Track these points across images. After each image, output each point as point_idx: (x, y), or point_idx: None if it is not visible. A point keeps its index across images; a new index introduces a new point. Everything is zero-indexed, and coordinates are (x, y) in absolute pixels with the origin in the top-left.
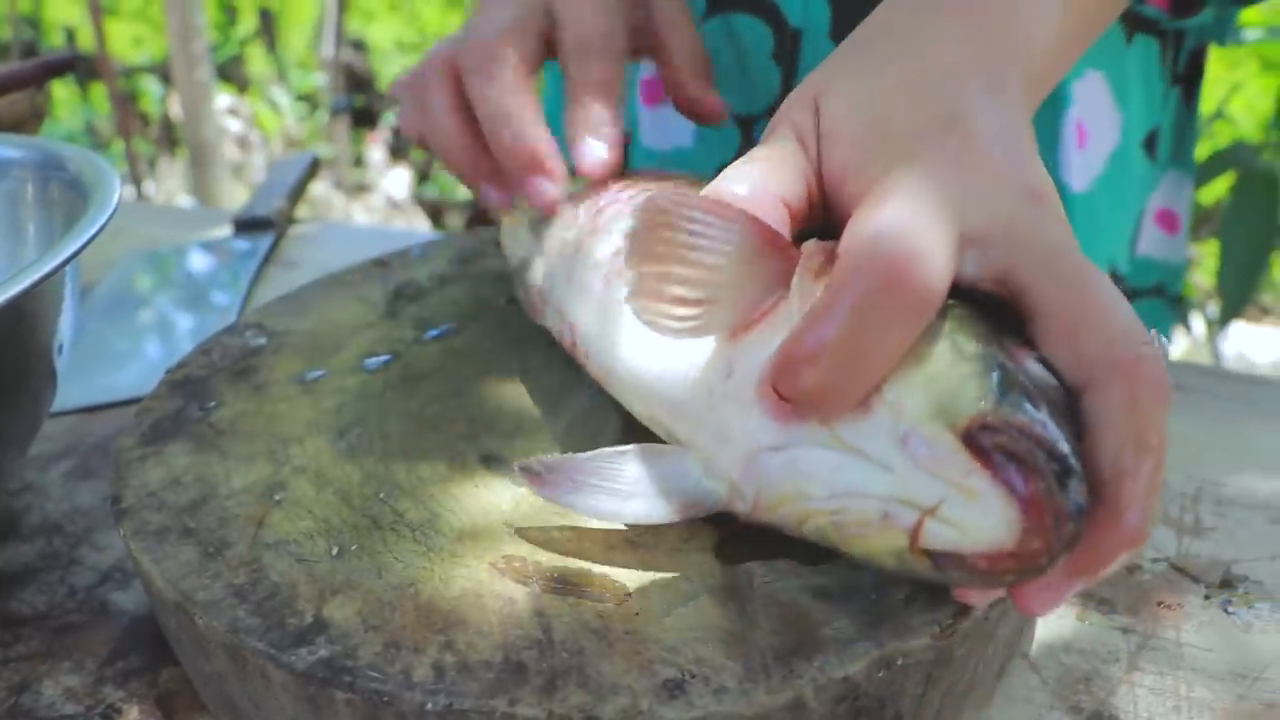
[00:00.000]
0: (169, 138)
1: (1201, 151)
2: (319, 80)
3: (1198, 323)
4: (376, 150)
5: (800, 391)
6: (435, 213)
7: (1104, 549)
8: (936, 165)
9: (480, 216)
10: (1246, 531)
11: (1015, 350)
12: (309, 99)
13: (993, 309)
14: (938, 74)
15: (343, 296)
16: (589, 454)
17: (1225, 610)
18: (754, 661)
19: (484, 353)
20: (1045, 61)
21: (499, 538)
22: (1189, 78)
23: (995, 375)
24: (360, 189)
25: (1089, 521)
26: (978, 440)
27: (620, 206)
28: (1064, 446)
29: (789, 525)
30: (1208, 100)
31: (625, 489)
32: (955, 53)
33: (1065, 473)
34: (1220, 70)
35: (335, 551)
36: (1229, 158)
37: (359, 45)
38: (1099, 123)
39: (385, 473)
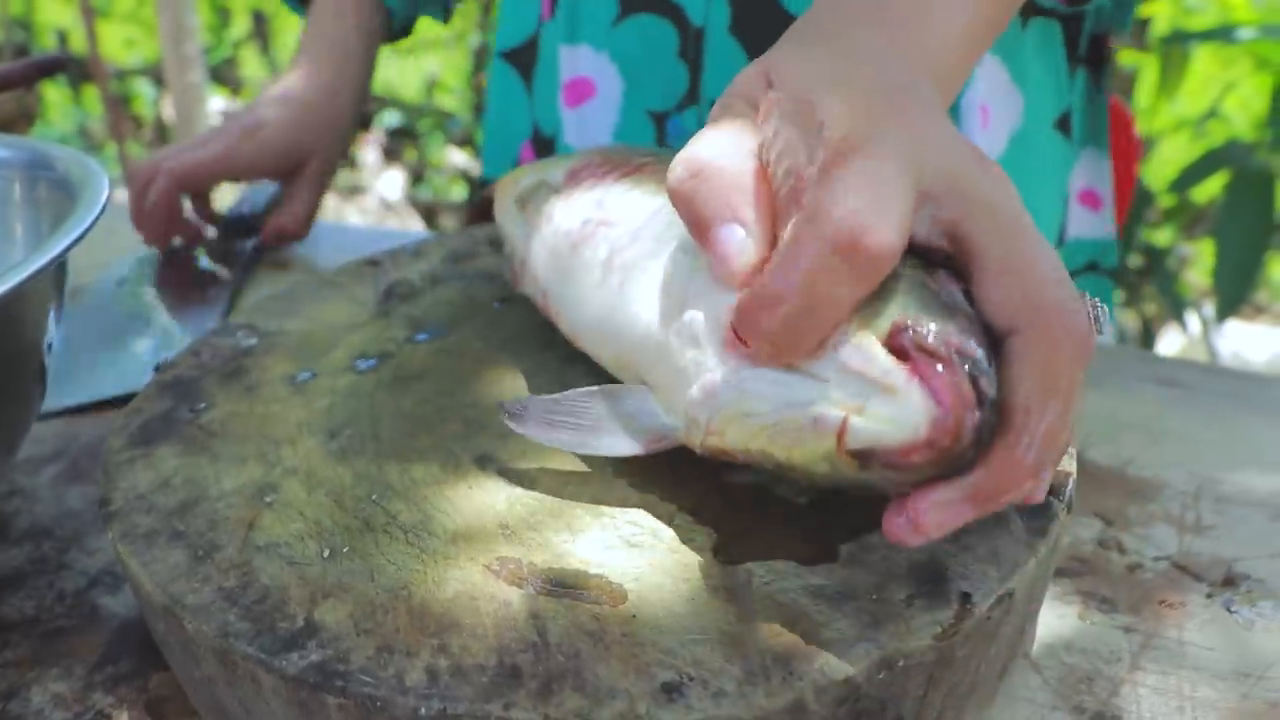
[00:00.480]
0: (162, 140)
1: (1195, 150)
2: None
3: (1194, 321)
4: (370, 152)
5: (758, 336)
6: (429, 214)
7: (1000, 479)
8: (894, 126)
9: (479, 214)
10: (1247, 529)
11: (945, 280)
12: None
13: (938, 262)
14: (871, 59)
15: (334, 296)
16: (561, 394)
17: (1228, 609)
18: (753, 663)
19: (476, 353)
20: (953, 65)
21: (493, 539)
22: (1094, 60)
23: (919, 291)
24: (354, 191)
25: (990, 452)
26: (898, 341)
27: (593, 181)
28: (974, 348)
29: (737, 448)
30: (1200, 99)
31: (592, 424)
32: (877, 54)
33: (975, 368)
34: (1214, 69)
35: (327, 554)
36: (1223, 156)
37: None
38: (999, 104)
39: (378, 474)
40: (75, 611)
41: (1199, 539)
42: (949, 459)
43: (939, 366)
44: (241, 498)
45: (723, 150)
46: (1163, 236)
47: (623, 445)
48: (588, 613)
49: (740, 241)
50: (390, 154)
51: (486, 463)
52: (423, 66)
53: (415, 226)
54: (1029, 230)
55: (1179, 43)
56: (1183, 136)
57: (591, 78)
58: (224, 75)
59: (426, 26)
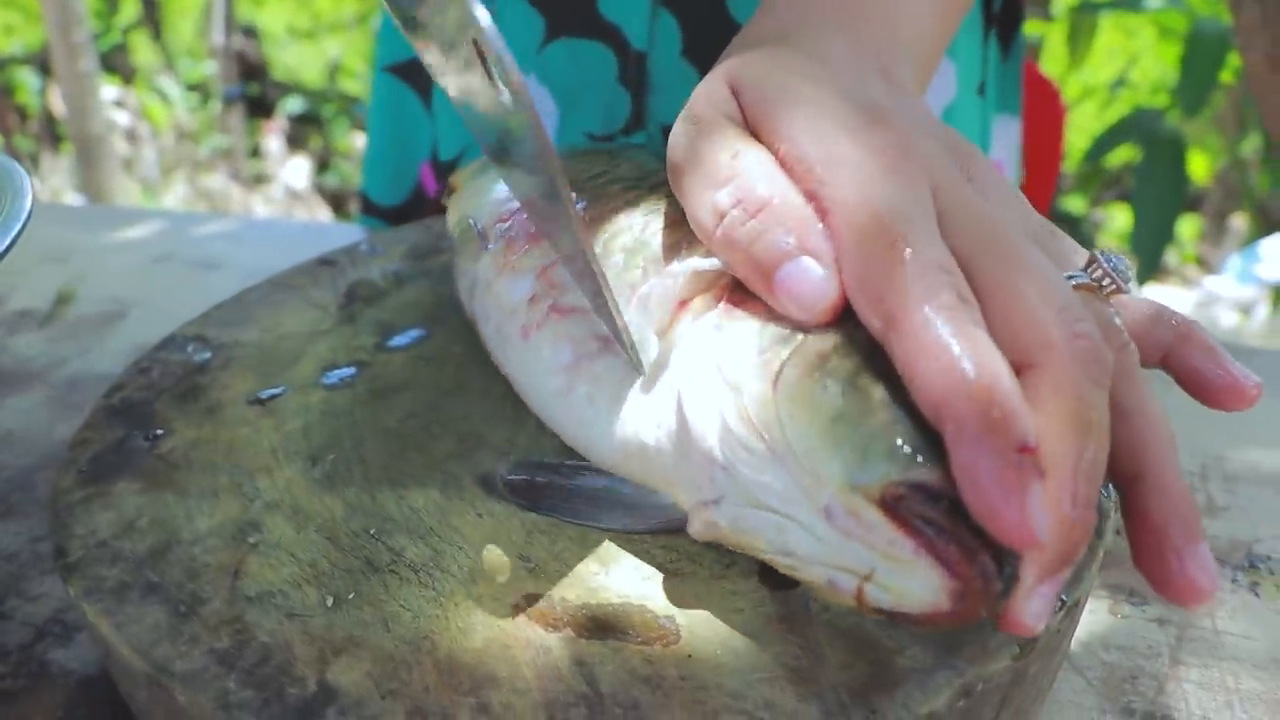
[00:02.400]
0: (51, 133)
1: (1103, 118)
2: (210, 69)
3: None
4: (273, 140)
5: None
6: (337, 202)
7: (1061, 548)
8: (871, 152)
9: (438, 207)
10: (1260, 508)
11: None
12: (200, 88)
13: None
14: (840, 67)
15: (290, 301)
16: (565, 466)
17: (1255, 594)
18: (829, 702)
19: (457, 359)
20: (928, 48)
21: (516, 574)
22: (1005, 23)
23: (901, 429)
24: (258, 180)
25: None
26: (896, 508)
27: (527, 239)
28: None
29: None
30: (1105, 68)
31: (598, 498)
32: (845, 52)
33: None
34: (1118, 39)
35: (330, 602)
36: (1134, 124)
37: (250, 31)
38: (937, 76)
39: (371, 504)
40: (22, 670)
41: (1214, 521)
42: (981, 615)
43: (948, 537)
44: (221, 539)
45: (771, 181)
46: (1076, 203)
47: (634, 524)
48: (638, 655)
49: (819, 278)
50: (294, 141)
51: (491, 484)
52: (324, 50)
53: (323, 215)
54: (1029, 254)
55: (1089, 12)
56: (1091, 105)
57: None
58: (115, 63)
59: (326, 9)
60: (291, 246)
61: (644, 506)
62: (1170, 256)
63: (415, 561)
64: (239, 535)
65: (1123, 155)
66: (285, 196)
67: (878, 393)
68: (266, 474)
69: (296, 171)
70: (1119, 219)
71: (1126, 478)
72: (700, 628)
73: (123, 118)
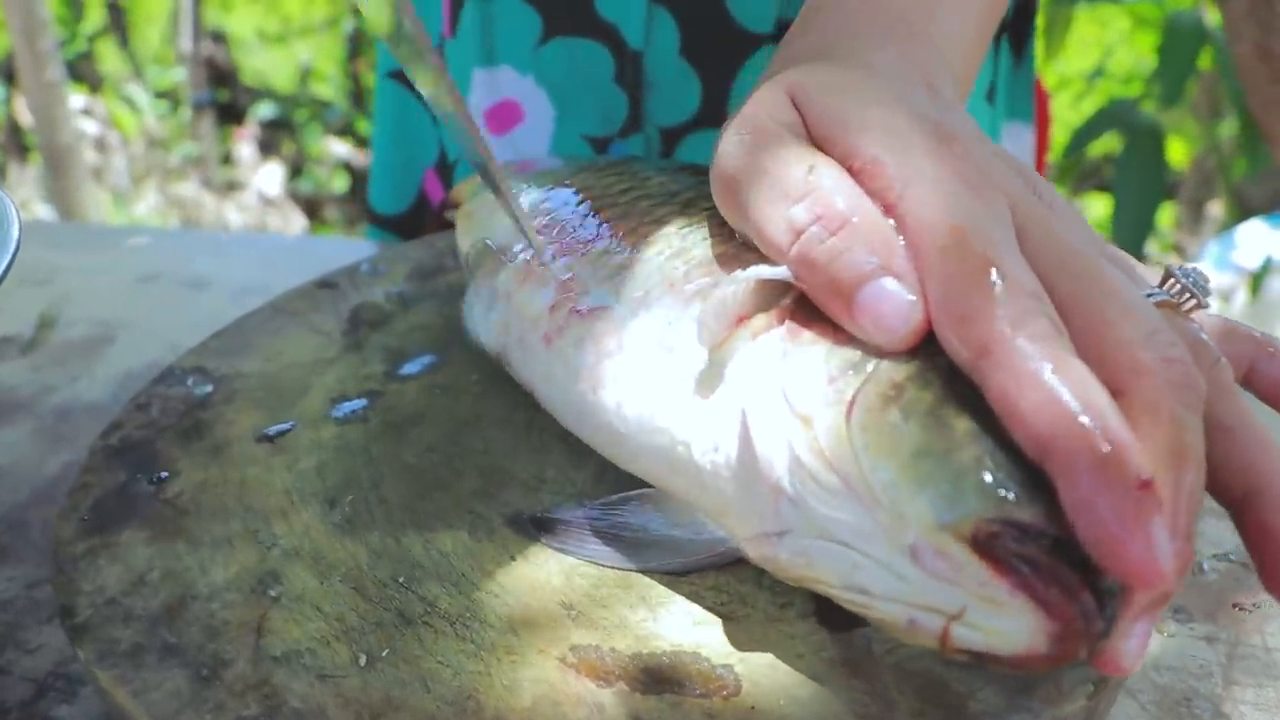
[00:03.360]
0: (17, 143)
1: (1080, 109)
2: (179, 75)
3: None
4: (245, 146)
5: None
6: (312, 208)
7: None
8: (949, 169)
9: (439, 223)
10: None
11: None
12: (169, 95)
13: None
14: (894, 82)
15: (292, 328)
16: (598, 504)
17: None
18: None
19: (474, 387)
20: (968, 61)
21: (559, 624)
22: (1016, 27)
23: (991, 464)
24: (231, 187)
25: None
26: (989, 548)
27: (554, 252)
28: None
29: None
30: (1080, 59)
31: (636, 537)
32: (895, 67)
33: (1086, 565)
34: (1093, 30)
35: (363, 660)
36: (1114, 115)
37: (219, 37)
38: None
39: (397, 549)
40: None
41: None
42: (1078, 656)
43: (1046, 578)
44: (239, 593)
45: (851, 197)
46: None
47: (674, 561)
48: (698, 709)
49: (905, 302)
50: (266, 147)
51: (522, 524)
52: (294, 54)
53: (298, 222)
54: (1112, 275)
55: (1065, 4)
56: (1066, 95)
57: (518, 101)
58: (81, 71)
59: (296, 12)
60: (281, 262)
61: (688, 544)
62: (1148, 245)
63: (450, 612)
64: (259, 588)
65: (1101, 145)
66: (259, 204)
67: (962, 425)
68: (282, 518)
69: (269, 178)
70: (1097, 208)
71: (1238, 495)
72: (761, 676)
73: (91, 126)
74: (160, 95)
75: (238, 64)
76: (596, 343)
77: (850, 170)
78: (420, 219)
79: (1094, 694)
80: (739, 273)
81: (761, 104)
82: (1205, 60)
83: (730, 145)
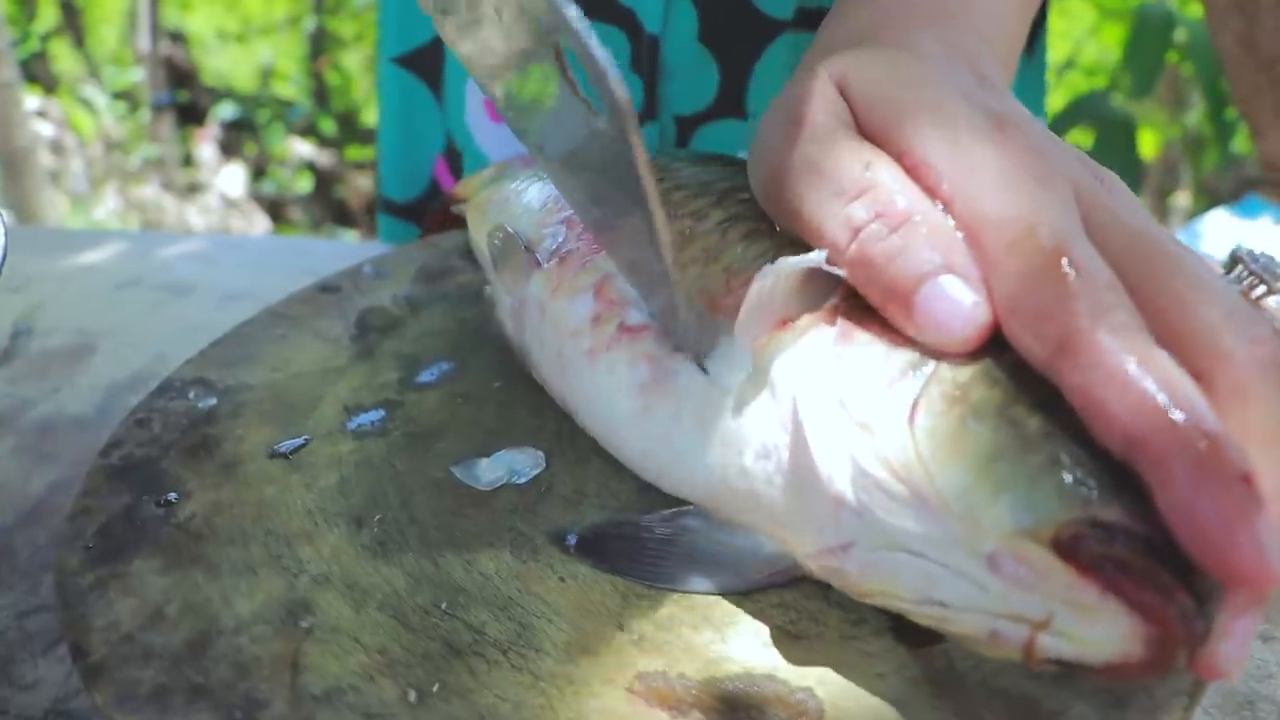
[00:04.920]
0: None
1: (1054, 102)
2: (137, 76)
3: None
4: (206, 147)
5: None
6: (275, 210)
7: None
8: (1011, 158)
9: (440, 222)
10: None
11: None
12: (128, 96)
13: None
14: (938, 63)
15: (296, 335)
16: (641, 520)
17: None
18: None
19: (498, 395)
20: (1011, 48)
21: (621, 649)
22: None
23: (1069, 463)
24: (192, 189)
25: None
26: (1073, 552)
27: (584, 253)
28: (1166, 535)
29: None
30: (1053, 51)
31: (685, 555)
32: (940, 52)
33: (1179, 563)
34: (1060, 24)
35: (413, 696)
36: (1085, 107)
37: (177, 36)
38: None
39: (435, 572)
40: None
41: None
42: (1177, 661)
43: (1138, 580)
44: (269, 625)
45: (910, 194)
46: None
47: (728, 580)
48: None
49: (969, 301)
50: (228, 148)
51: (567, 541)
52: (255, 54)
53: (261, 223)
54: (1187, 257)
55: None
56: None
57: None
58: (35, 71)
59: (257, 11)
60: (267, 266)
61: (748, 562)
62: None
63: (501, 640)
64: (289, 619)
65: (1072, 138)
66: (221, 205)
67: (1034, 423)
68: (307, 541)
69: (232, 179)
70: None
71: None
72: (843, 699)
73: (46, 129)
74: (118, 96)
75: (197, 64)
76: (653, 360)
77: (903, 162)
78: (433, 207)
79: (1189, 705)
80: (772, 265)
81: (806, 93)
82: (1171, 52)
83: (775, 138)
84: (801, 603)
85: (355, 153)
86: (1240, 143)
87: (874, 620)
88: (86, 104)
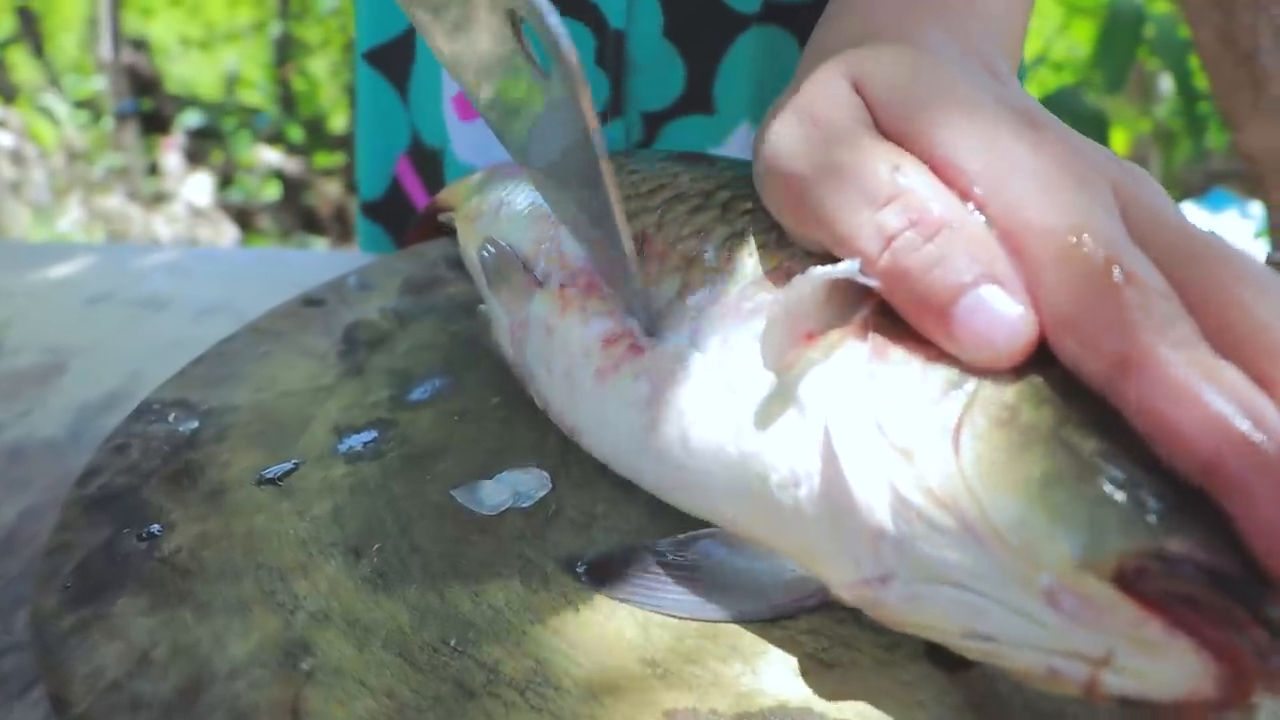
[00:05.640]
0: None
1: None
2: (99, 84)
3: None
4: (172, 156)
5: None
6: (243, 219)
7: None
8: (1047, 158)
9: (423, 232)
10: None
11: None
12: (90, 105)
13: None
14: (954, 60)
15: (280, 351)
16: (657, 545)
17: None
18: None
19: (496, 412)
20: (1016, 44)
21: (646, 685)
22: None
23: (1131, 490)
24: (158, 199)
25: None
26: (1137, 586)
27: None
28: (1236, 565)
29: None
30: (1028, 47)
31: (707, 581)
32: (950, 49)
33: (1250, 594)
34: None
35: None
36: (1058, 102)
37: (140, 44)
38: None
39: (442, 605)
40: None
41: None
42: (1250, 698)
43: (1207, 615)
44: (266, 669)
45: (944, 199)
46: None
47: (753, 606)
48: None
49: (1014, 314)
50: (194, 157)
51: (579, 567)
52: (220, 61)
53: (230, 233)
54: (1224, 255)
55: None
56: None
57: None
58: None
59: (220, 17)
60: (243, 278)
61: (773, 586)
62: None
63: (516, 678)
64: (287, 661)
65: None
66: (188, 215)
67: (1089, 447)
68: (302, 575)
69: (198, 188)
70: None
71: None
72: None
73: (6, 139)
74: (80, 105)
75: (161, 71)
76: (654, 377)
77: (931, 165)
78: (396, 206)
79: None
80: (802, 276)
81: (820, 93)
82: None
83: (790, 141)
84: (832, 628)
85: (323, 159)
86: (1213, 136)
87: (909, 645)
88: (47, 113)
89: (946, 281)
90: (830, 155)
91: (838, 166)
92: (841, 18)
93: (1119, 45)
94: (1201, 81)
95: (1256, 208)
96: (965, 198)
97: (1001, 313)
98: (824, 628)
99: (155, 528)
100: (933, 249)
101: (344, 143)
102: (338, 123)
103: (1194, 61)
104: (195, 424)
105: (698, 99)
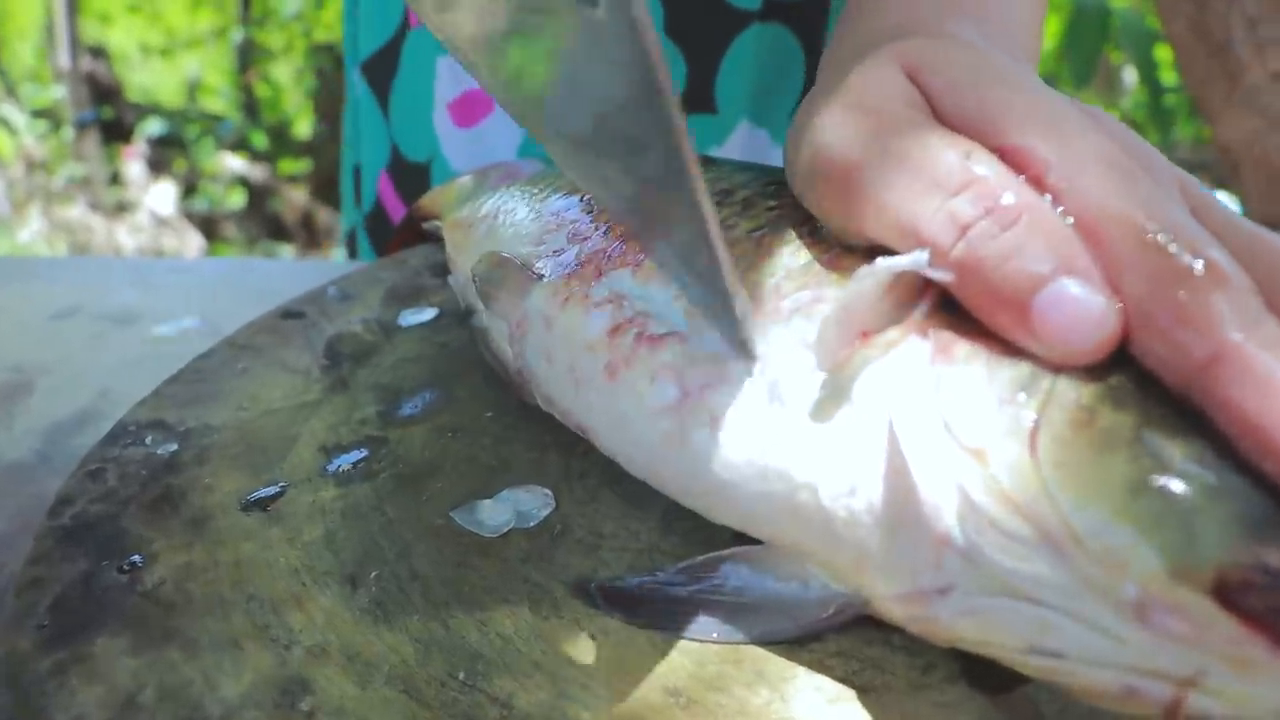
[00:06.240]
0: None
1: None
2: (57, 93)
3: None
4: (134, 165)
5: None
6: (208, 228)
7: None
8: (1117, 148)
9: (404, 239)
10: None
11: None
12: (49, 115)
13: None
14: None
15: (260, 367)
16: (677, 568)
17: None
18: None
19: (491, 426)
20: (1034, 48)
21: (669, 715)
22: None
23: (1228, 494)
24: (121, 209)
25: None
26: (1237, 600)
27: (598, 262)
28: None
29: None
30: None
31: (731, 602)
32: (985, 44)
33: None
34: None
35: None
36: None
37: (99, 52)
38: None
39: (447, 636)
40: None
41: None
42: None
43: None
44: (262, 711)
45: (1017, 187)
46: None
47: (779, 626)
48: None
49: (1098, 308)
50: (157, 166)
51: (591, 592)
52: (181, 68)
53: (195, 242)
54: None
55: None
56: None
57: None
58: None
59: (181, 24)
60: (213, 289)
61: (798, 604)
62: None
63: (532, 712)
64: (285, 701)
65: None
66: (152, 224)
67: (1177, 450)
68: (296, 607)
69: (162, 197)
70: None
71: None
72: None
73: None
74: (38, 114)
75: (121, 79)
76: (679, 374)
77: (1000, 155)
78: (381, 225)
79: None
80: (866, 268)
81: (874, 83)
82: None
83: (842, 131)
84: (862, 649)
85: (288, 166)
86: (1181, 128)
87: (943, 665)
88: (4, 123)
89: (1026, 272)
90: (892, 144)
91: (902, 154)
92: (870, 14)
93: (1085, 39)
94: (1167, 75)
95: (1224, 198)
96: (1038, 187)
97: (1085, 306)
98: (853, 650)
99: (136, 559)
100: (1010, 238)
101: (309, 149)
102: (302, 128)
103: (1159, 54)
104: (174, 446)
105: (699, 98)
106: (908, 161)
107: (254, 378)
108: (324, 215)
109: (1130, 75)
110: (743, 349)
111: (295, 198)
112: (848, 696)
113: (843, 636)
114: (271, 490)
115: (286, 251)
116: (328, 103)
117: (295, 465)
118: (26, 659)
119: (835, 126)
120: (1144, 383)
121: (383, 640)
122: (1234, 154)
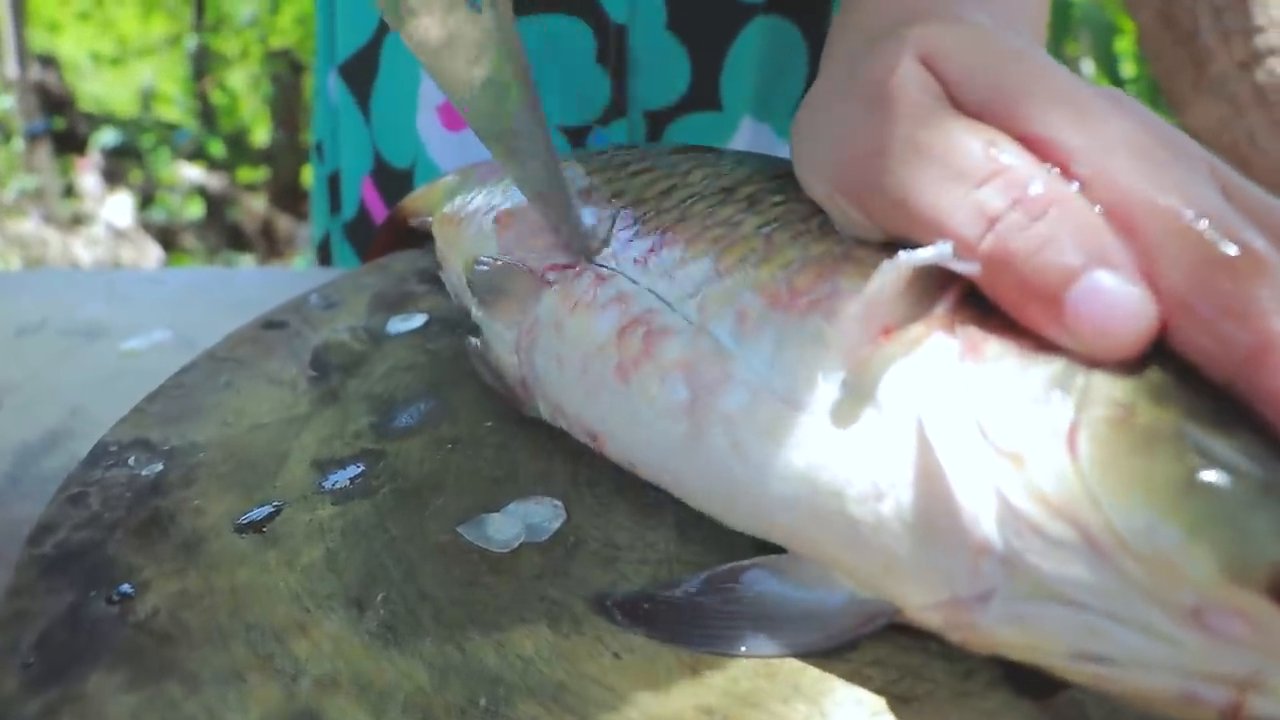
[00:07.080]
0: None
1: None
2: (6, 103)
3: None
4: (89, 176)
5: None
6: (166, 238)
7: None
8: (1147, 134)
9: (386, 243)
10: None
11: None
12: None
13: None
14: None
15: (245, 380)
16: (698, 580)
17: None
18: None
19: (492, 436)
20: (1042, 32)
21: None
22: None
23: (1276, 485)
24: (77, 221)
25: None
26: None
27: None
28: None
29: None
30: None
31: (754, 614)
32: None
33: None
34: None
35: None
36: None
37: (48, 61)
38: None
39: (464, 660)
40: None
41: None
42: None
43: None
44: None
45: (1045, 176)
46: None
47: (809, 637)
48: None
49: (1134, 299)
50: (112, 176)
51: (611, 607)
52: (135, 77)
53: (153, 253)
54: None
55: None
56: None
57: None
58: None
59: (133, 32)
60: (183, 300)
61: (828, 613)
62: None
63: None
64: None
65: None
66: (109, 237)
67: (1224, 447)
68: (300, 634)
69: (118, 209)
70: None
71: None
72: None
73: None
74: None
75: (73, 89)
76: (688, 371)
77: (1023, 143)
78: (366, 231)
79: None
80: (888, 262)
81: (888, 71)
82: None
83: (858, 120)
84: (899, 658)
85: (247, 174)
86: None
87: (984, 670)
88: None
89: (1059, 265)
90: (910, 133)
91: (921, 145)
92: (873, 4)
93: (1049, 33)
94: (1129, 66)
95: None
96: (1065, 175)
97: (1120, 298)
98: (890, 658)
99: (126, 588)
100: (1041, 229)
101: (268, 156)
102: (260, 136)
103: (1120, 47)
104: (159, 466)
105: (704, 95)
106: (929, 152)
107: (238, 391)
108: (284, 223)
109: (1088, 67)
110: (581, 243)
111: (255, 206)
112: (889, 707)
113: (879, 646)
114: (266, 510)
115: (247, 261)
116: (285, 110)
117: (289, 483)
118: (12, 701)
119: (847, 118)
120: (1183, 376)
121: (395, 667)
122: (1203, 141)
